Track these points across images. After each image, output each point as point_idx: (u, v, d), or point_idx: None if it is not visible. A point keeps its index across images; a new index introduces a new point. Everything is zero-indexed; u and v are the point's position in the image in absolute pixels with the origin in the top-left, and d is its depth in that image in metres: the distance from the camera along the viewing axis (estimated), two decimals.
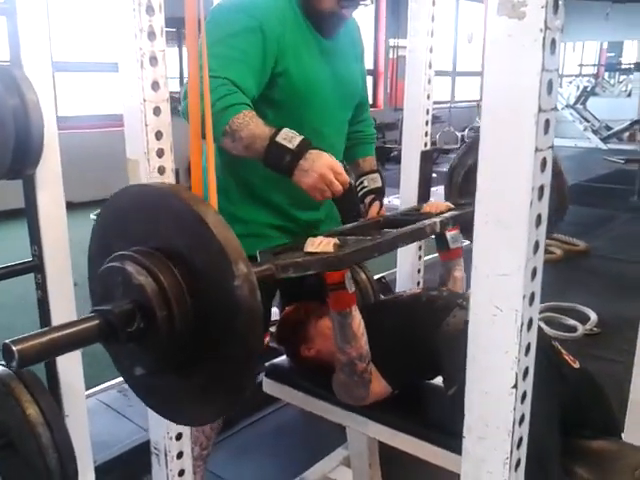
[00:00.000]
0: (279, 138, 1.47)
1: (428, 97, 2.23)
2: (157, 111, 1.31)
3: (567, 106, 12.34)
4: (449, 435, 1.46)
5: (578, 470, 1.45)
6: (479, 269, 0.93)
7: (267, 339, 1.98)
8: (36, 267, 1.78)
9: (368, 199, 1.88)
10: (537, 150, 0.85)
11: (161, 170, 1.34)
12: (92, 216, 6.24)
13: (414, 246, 2.26)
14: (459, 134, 10.90)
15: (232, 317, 0.91)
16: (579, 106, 12.71)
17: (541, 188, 0.88)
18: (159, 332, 0.93)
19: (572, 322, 3.63)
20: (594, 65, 17.66)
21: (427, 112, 2.24)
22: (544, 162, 0.87)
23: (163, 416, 1.13)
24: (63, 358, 1.87)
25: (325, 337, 1.66)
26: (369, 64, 10.93)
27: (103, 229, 1.11)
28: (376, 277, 2.84)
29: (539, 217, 0.89)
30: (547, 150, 0.88)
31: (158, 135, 1.32)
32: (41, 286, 1.80)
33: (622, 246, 5.40)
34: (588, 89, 13.06)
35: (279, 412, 2.51)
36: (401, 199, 2.24)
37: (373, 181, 1.93)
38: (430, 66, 2.19)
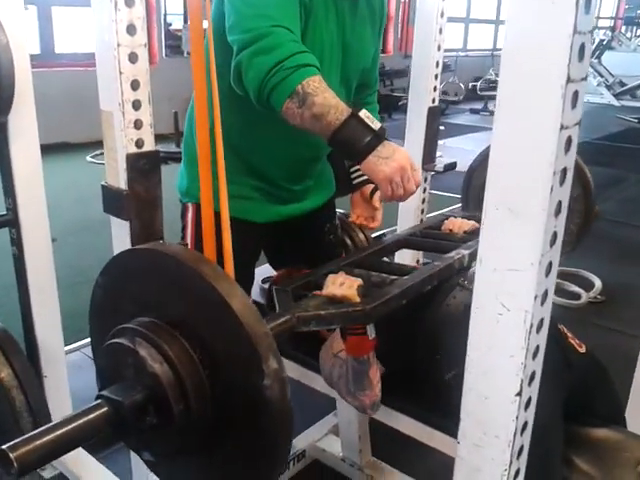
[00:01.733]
0: (362, 114, 1.28)
1: (439, 48, 2.06)
2: (133, 57, 1.17)
3: None
4: (443, 417, 1.39)
5: (576, 460, 1.37)
6: (485, 261, 0.81)
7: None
8: (10, 222, 1.67)
9: (367, 188, 1.71)
10: (562, 127, 0.72)
11: (137, 124, 1.21)
12: (88, 158, 6.10)
13: (415, 204, 2.13)
14: (462, 85, 10.54)
15: (259, 417, 0.81)
16: (594, 60, 12.29)
17: (564, 171, 0.75)
18: (173, 427, 0.82)
19: (576, 289, 3.50)
20: (611, 18, 17.09)
21: (437, 64, 2.08)
22: (569, 141, 0.74)
23: None
24: (41, 317, 1.79)
25: None
26: None
27: (109, 289, 0.99)
28: (374, 235, 2.74)
29: (559, 205, 0.76)
30: (574, 127, 0.74)
31: (134, 85, 1.18)
32: (16, 242, 1.69)
33: (632, 209, 5.22)
34: (604, 43, 12.63)
35: None
36: None
37: None
38: (442, 14, 2.02)
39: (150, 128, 1.24)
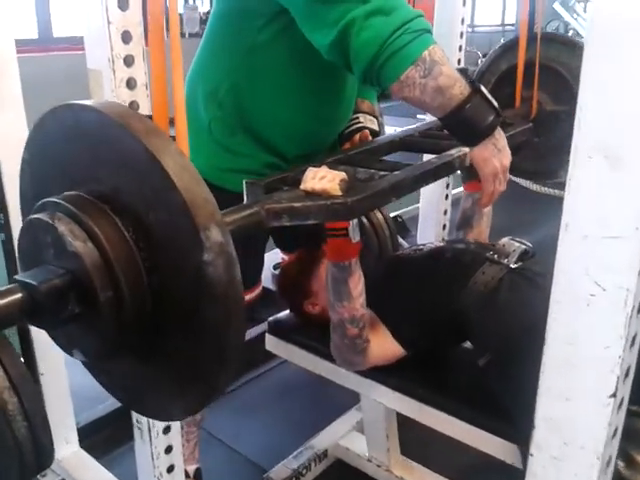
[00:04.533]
0: (483, 89, 1.15)
1: (462, 21, 1.93)
2: (123, 5, 1.00)
3: None
4: (478, 410, 1.27)
5: (638, 457, 1.21)
6: (572, 228, 0.63)
7: (258, 290, 1.70)
8: None
9: (363, 134, 1.52)
10: None
11: (131, 83, 1.04)
12: None
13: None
14: (481, 54, 10.29)
15: (200, 303, 0.66)
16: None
17: None
18: (101, 318, 0.68)
19: None
20: None
21: (461, 35, 1.95)
22: None
23: (120, 402, 0.89)
24: None
25: None
26: None
27: (34, 164, 0.84)
28: (392, 215, 2.55)
29: None
30: None
31: (125, 37, 1.02)
32: (4, 227, 1.55)
33: None
34: None
35: (284, 366, 2.25)
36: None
37: (372, 122, 1.56)
38: None
39: (146, 89, 1.07)
